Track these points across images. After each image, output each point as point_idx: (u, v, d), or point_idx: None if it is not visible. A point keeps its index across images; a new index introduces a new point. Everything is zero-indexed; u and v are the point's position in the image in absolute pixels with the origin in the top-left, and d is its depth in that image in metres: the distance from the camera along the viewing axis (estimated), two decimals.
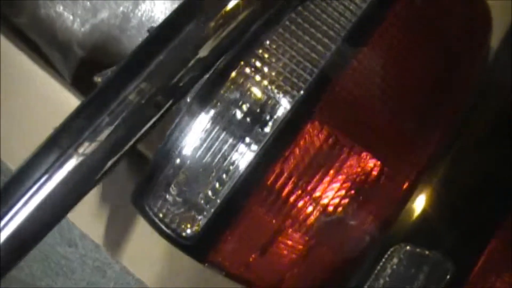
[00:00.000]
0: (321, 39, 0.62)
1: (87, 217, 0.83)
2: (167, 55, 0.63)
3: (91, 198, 0.84)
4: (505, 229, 0.62)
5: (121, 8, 1.00)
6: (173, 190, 0.61)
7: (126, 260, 0.81)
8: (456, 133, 0.66)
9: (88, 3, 1.00)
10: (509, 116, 0.69)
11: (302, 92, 0.59)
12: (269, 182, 0.59)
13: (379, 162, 0.62)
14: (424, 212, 0.62)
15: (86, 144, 0.60)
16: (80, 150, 0.60)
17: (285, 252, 0.62)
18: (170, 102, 0.63)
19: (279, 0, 0.64)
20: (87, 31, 1.02)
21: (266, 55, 0.61)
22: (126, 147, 0.61)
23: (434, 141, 0.64)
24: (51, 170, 0.59)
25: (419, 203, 0.62)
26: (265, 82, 0.61)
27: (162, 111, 0.62)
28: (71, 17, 1.04)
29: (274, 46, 0.61)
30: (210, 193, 0.60)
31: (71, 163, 0.60)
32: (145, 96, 0.61)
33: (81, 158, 0.60)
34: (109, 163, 0.60)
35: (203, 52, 0.64)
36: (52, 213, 0.60)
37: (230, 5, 0.63)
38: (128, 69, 0.60)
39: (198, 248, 0.61)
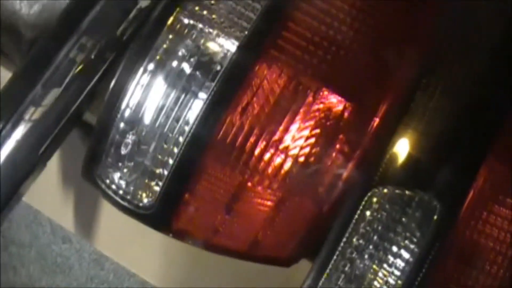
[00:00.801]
0: None
1: (55, 204, 0.78)
2: (105, 6, 0.58)
3: (56, 184, 0.79)
4: (491, 162, 0.57)
5: None
6: (121, 157, 0.56)
7: (100, 245, 0.76)
8: (429, 68, 0.60)
9: None
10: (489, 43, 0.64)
11: (246, 32, 0.54)
12: (222, 135, 0.53)
13: (346, 101, 0.56)
14: (405, 153, 0.56)
15: (31, 109, 0.56)
16: (26, 116, 0.56)
17: (254, 209, 0.57)
18: (113, 55, 0.58)
19: None
20: (36, 13, 0.97)
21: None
22: (76, 105, 0.57)
23: (404, 74, 0.58)
24: None
25: (398, 146, 0.56)
26: (205, 26, 0.55)
27: (106, 65, 0.58)
28: (18, 1, 0.99)
29: None
30: (161, 155, 0.55)
31: (20, 130, 0.56)
32: (87, 50, 0.57)
33: (29, 124, 0.56)
34: (62, 123, 0.57)
35: (143, 1, 0.59)
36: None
37: None
38: (66, 23, 0.56)
39: (158, 217, 0.56)
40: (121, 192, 0.56)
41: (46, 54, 0.58)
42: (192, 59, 0.54)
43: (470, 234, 0.57)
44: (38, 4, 0.94)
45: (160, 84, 0.55)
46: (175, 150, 0.54)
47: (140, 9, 0.59)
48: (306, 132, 0.56)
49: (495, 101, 0.57)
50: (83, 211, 0.79)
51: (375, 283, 0.55)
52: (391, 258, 0.55)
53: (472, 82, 0.58)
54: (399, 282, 0.55)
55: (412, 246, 0.55)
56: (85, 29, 0.58)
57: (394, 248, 0.55)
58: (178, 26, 0.55)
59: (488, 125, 0.57)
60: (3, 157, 0.57)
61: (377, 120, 0.56)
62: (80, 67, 0.58)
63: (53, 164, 0.76)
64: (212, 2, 0.55)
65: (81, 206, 0.79)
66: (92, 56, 0.58)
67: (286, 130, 0.55)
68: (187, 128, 0.53)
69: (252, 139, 0.54)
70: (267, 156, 0.55)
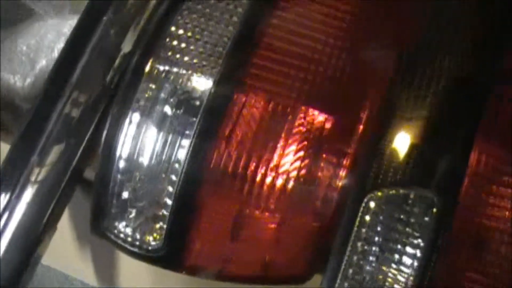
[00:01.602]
0: (225, 9, 0.59)
1: (74, 262, 0.80)
2: (91, 57, 0.61)
3: (71, 242, 0.82)
4: (481, 144, 0.58)
5: (56, 52, 0.98)
6: (123, 206, 0.58)
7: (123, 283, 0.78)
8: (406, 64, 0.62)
9: (24, 57, 0.99)
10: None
11: (219, 67, 0.56)
12: (212, 167, 0.55)
13: (326, 114, 0.58)
14: (394, 153, 0.58)
15: (36, 170, 0.58)
16: (33, 178, 0.58)
17: (258, 232, 0.58)
18: (105, 104, 0.60)
19: None
20: (30, 84, 1.01)
21: (174, 42, 0.58)
22: (77, 158, 0.59)
23: (381, 78, 0.60)
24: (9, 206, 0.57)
25: (386, 147, 0.58)
26: (180, 69, 0.58)
27: (99, 115, 0.60)
28: (11, 76, 1.03)
29: (180, 32, 0.59)
30: (161, 197, 0.57)
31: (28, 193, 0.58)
32: (80, 104, 0.59)
33: (36, 185, 0.58)
34: (66, 180, 0.59)
35: (126, 47, 0.61)
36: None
37: None
38: (57, 81, 0.58)
39: (168, 257, 0.58)
40: (129, 239, 0.59)
41: (41, 115, 0.60)
42: (173, 101, 0.57)
43: (474, 219, 0.58)
44: (30, 76, 0.99)
45: (147, 130, 0.57)
46: (171, 189, 0.56)
47: (124, 55, 0.62)
48: (293, 150, 0.58)
49: (477, 82, 0.58)
50: (102, 262, 0.82)
51: (387, 284, 0.56)
52: (397, 257, 0.56)
53: (450, 68, 0.60)
54: (411, 278, 0.56)
55: (416, 242, 0.56)
56: (75, 84, 0.60)
57: (399, 247, 0.56)
58: (155, 73, 0.58)
59: (472, 109, 0.58)
60: (15, 224, 0.59)
61: (360, 126, 0.58)
62: (76, 121, 0.60)
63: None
64: (183, 45, 0.58)
65: (99, 258, 0.82)
66: (86, 109, 0.61)
67: (273, 151, 0.57)
68: (178, 167, 0.56)
69: (242, 166, 0.56)
70: (258, 179, 0.57)
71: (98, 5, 0.61)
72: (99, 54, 0.61)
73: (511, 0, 0.58)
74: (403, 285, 0.55)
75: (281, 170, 0.58)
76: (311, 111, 0.58)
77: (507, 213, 0.59)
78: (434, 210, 0.55)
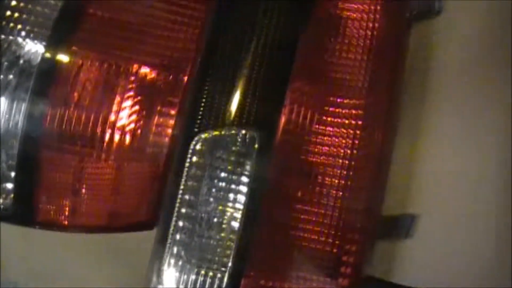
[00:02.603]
0: None
1: None
2: None
3: None
4: (295, 84, 0.64)
5: None
6: None
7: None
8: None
9: None
10: None
11: (49, 33, 0.61)
12: (49, 127, 0.60)
13: (155, 69, 0.64)
14: (217, 100, 0.64)
15: None
16: None
17: (98, 183, 0.64)
18: None
19: None
20: None
21: (8, 13, 0.62)
22: None
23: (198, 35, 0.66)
24: None
25: (209, 95, 0.64)
26: (15, 37, 0.62)
27: None
28: None
29: (13, 2, 0.63)
30: (8, 158, 0.61)
31: None
32: None
33: None
34: None
35: None
36: None
37: None
38: None
39: (19, 214, 0.62)
40: None
41: None
42: (13, 69, 0.61)
43: (295, 153, 0.65)
44: None
45: None
46: (14, 151, 0.61)
47: None
48: (128, 104, 0.63)
49: (287, 26, 0.64)
50: None
51: (222, 220, 0.62)
52: (228, 194, 0.62)
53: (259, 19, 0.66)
54: (242, 212, 0.62)
55: (244, 179, 0.62)
56: None
57: (228, 185, 0.62)
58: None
59: (286, 51, 0.64)
60: None
61: (185, 77, 0.64)
62: None
63: None
64: (16, 15, 0.62)
65: None
66: None
67: (109, 109, 0.63)
68: (18, 131, 0.61)
69: (77, 124, 0.62)
70: (95, 135, 0.62)
71: None
72: None
73: None
74: (233, 220, 0.62)
75: (117, 124, 0.63)
76: (141, 68, 0.64)
77: (325, 147, 0.67)
78: (256, 145, 0.62)
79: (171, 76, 0.64)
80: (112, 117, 0.63)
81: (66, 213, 0.65)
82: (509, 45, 0.75)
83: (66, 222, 0.65)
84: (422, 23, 0.74)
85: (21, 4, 0.63)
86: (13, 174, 0.62)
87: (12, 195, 0.62)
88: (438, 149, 0.72)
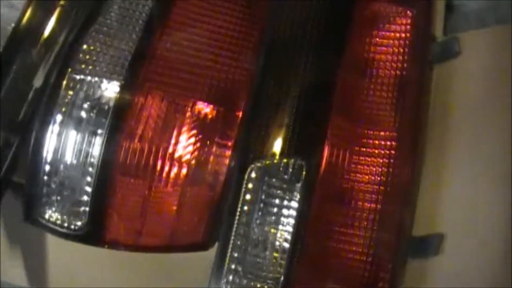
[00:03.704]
0: (129, 29, 0.73)
1: (5, 266, 0.89)
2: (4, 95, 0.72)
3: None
4: (334, 119, 0.73)
5: None
6: (52, 194, 0.70)
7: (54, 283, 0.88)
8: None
9: None
10: None
11: (123, 75, 0.70)
12: (122, 158, 0.69)
13: (214, 106, 0.73)
14: (268, 133, 0.72)
15: None
16: None
17: (163, 206, 0.72)
18: (19, 138, 0.73)
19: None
20: None
21: (86, 57, 0.71)
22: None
23: (250, 73, 0.75)
24: None
25: (259, 126, 0.72)
26: (92, 77, 0.70)
27: (13, 149, 0.72)
28: None
29: (91, 48, 0.72)
30: (82, 186, 0.69)
31: None
32: None
33: None
34: None
35: (37, 82, 0.73)
36: None
37: (46, 32, 0.74)
38: None
39: (91, 234, 0.70)
40: (58, 222, 0.70)
41: None
42: (87, 106, 0.70)
43: (336, 180, 0.73)
44: None
45: (68, 132, 0.70)
46: (89, 179, 0.69)
47: (36, 89, 0.74)
48: (186, 137, 0.72)
49: (326, 68, 0.73)
50: (33, 259, 0.92)
51: (273, 240, 0.70)
52: (282, 219, 0.70)
53: (305, 63, 0.74)
54: (290, 235, 0.69)
55: (294, 204, 0.70)
56: None
57: (282, 210, 0.70)
58: (72, 83, 0.71)
59: (325, 90, 0.72)
60: None
61: (239, 113, 0.73)
62: None
63: None
64: (94, 58, 0.71)
65: (30, 256, 0.92)
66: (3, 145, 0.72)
67: (170, 140, 0.71)
68: (94, 160, 0.69)
69: (146, 155, 0.70)
70: (160, 164, 0.71)
71: (9, 49, 0.73)
72: (11, 92, 0.72)
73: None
74: (284, 241, 0.69)
75: (178, 154, 0.72)
76: (199, 105, 0.72)
77: (362, 175, 0.75)
78: (303, 173, 0.70)
79: (226, 112, 0.73)
80: (176, 149, 0.72)
81: (133, 234, 0.72)
82: None
83: (132, 242, 0.73)
84: (444, 64, 0.83)
85: (97, 48, 0.72)
86: (88, 199, 0.70)
87: (86, 218, 0.70)
88: (459, 177, 0.80)
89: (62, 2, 0.77)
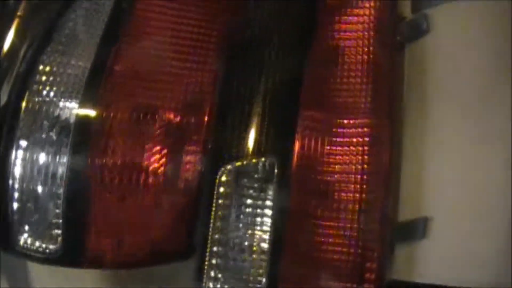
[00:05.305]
0: (83, 45, 0.72)
1: None
2: None
3: None
4: (303, 113, 0.71)
5: None
6: (23, 222, 0.69)
7: None
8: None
9: None
10: None
11: (82, 91, 0.68)
12: (90, 175, 0.67)
13: (180, 113, 0.71)
14: (236, 135, 0.71)
15: None
16: None
17: (139, 219, 0.70)
18: None
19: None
20: None
21: (43, 78, 0.70)
22: None
23: (215, 75, 0.73)
24: None
25: (226, 128, 0.71)
26: (52, 98, 0.69)
27: None
28: None
29: (47, 69, 0.70)
30: (52, 208, 0.68)
31: None
32: None
33: None
34: None
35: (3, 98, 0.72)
36: None
37: (6, 46, 0.73)
38: None
39: (67, 257, 0.69)
40: (33, 248, 0.69)
41: None
42: (48, 126, 0.69)
43: (312, 174, 0.72)
44: None
45: (32, 155, 0.68)
46: (59, 201, 0.68)
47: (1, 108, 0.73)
48: (159, 148, 0.71)
49: (292, 62, 0.71)
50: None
51: (252, 243, 0.68)
52: (254, 219, 0.68)
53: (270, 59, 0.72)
54: (269, 235, 0.68)
55: (268, 203, 0.68)
56: None
57: (254, 210, 0.68)
58: (31, 105, 0.69)
59: (293, 86, 0.71)
60: None
61: (205, 118, 0.72)
62: None
63: None
64: (51, 78, 0.70)
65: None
66: None
67: (144, 153, 0.70)
68: (61, 181, 0.67)
69: (116, 169, 0.69)
70: (134, 177, 0.69)
71: None
72: None
73: None
74: (263, 241, 0.68)
75: (147, 164, 0.70)
76: (164, 113, 0.71)
77: (338, 166, 0.73)
78: (275, 171, 0.68)
79: (192, 118, 0.72)
80: (144, 160, 0.70)
81: (110, 252, 0.71)
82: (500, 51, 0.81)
83: (111, 261, 0.72)
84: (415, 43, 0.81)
85: (54, 69, 0.71)
86: (60, 221, 0.69)
87: (60, 240, 0.69)
88: (442, 157, 0.78)
89: (20, 14, 0.77)
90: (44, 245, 0.69)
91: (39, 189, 0.68)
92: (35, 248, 0.69)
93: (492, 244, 0.74)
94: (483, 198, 0.75)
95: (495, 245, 0.74)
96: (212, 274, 0.68)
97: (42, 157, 0.68)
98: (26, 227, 0.69)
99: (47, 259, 0.69)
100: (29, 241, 0.69)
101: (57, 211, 0.68)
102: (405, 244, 0.76)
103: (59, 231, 0.68)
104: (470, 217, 0.75)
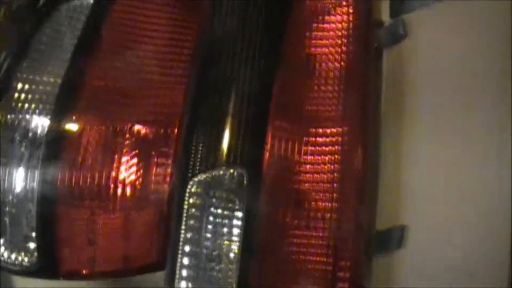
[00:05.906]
0: (55, 63, 0.73)
1: None
2: None
3: None
4: (273, 123, 0.71)
5: None
6: (2, 234, 0.71)
7: None
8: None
9: None
10: None
11: (53, 107, 0.70)
12: (60, 187, 0.68)
13: (148, 126, 0.72)
14: (202, 144, 0.71)
15: None
16: None
17: (110, 232, 0.71)
18: None
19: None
20: None
21: (15, 95, 0.71)
22: None
23: (183, 85, 0.74)
24: None
25: (195, 140, 0.71)
26: (26, 115, 0.71)
27: None
28: None
29: (19, 87, 0.72)
30: (27, 222, 0.70)
31: None
32: None
33: None
34: None
35: None
36: None
37: None
38: None
39: (43, 269, 0.70)
40: (10, 261, 0.71)
41: None
42: (23, 141, 0.70)
43: (284, 183, 0.72)
44: None
45: (7, 171, 0.70)
46: (33, 213, 0.69)
47: None
48: (129, 162, 0.72)
49: (262, 72, 0.71)
50: None
51: (222, 253, 0.68)
52: (224, 229, 0.68)
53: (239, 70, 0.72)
54: (238, 245, 0.68)
55: (238, 214, 0.68)
56: None
57: (226, 220, 0.68)
58: (5, 121, 0.71)
59: (262, 96, 0.71)
60: None
61: (175, 129, 0.72)
62: None
63: None
64: (23, 96, 0.71)
65: None
66: None
67: (112, 164, 0.71)
68: (33, 195, 0.69)
69: (87, 182, 0.70)
70: (104, 189, 0.70)
71: None
72: None
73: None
74: (231, 252, 0.68)
75: (120, 179, 0.71)
76: (136, 126, 0.72)
77: (309, 175, 0.73)
78: (245, 182, 0.68)
79: (162, 130, 0.72)
80: (115, 173, 0.71)
81: (85, 263, 0.72)
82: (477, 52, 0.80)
83: (86, 272, 0.73)
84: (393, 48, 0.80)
85: (26, 86, 0.72)
86: (34, 234, 0.71)
87: (35, 253, 0.71)
88: (419, 163, 0.77)
89: None
90: (20, 258, 0.71)
91: (13, 202, 0.70)
92: (12, 261, 0.71)
93: (470, 253, 0.73)
94: (461, 206, 0.74)
95: (473, 254, 0.73)
96: (183, 285, 0.68)
97: (17, 173, 0.69)
98: (2, 240, 0.71)
99: (24, 271, 0.71)
100: (5, 254, 0.71)
101: (33, 224, 0.70)
102: (383, 253, 0.76)
103: (34, 244, 0.70)
104: (448, 225, 0.75)
